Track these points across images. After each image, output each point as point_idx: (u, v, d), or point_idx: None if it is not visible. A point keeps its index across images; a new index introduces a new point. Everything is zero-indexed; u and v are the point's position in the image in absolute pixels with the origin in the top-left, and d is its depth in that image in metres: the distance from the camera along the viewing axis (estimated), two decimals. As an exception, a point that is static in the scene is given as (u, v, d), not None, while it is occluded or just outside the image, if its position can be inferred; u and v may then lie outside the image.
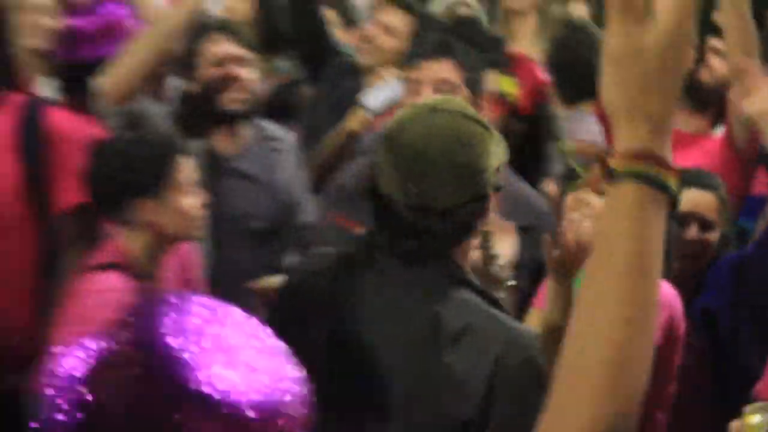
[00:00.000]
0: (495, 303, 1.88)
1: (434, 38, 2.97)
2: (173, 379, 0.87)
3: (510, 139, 2.25)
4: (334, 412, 1.50)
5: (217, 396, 0.87)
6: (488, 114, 2.63)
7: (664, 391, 2.35)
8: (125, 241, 2.34)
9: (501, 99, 2.96)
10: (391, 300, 1.83)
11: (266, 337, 0.95)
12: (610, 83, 0.89)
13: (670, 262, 2.44)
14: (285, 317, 1.89)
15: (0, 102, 2.71)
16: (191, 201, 2.37)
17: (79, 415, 0.90)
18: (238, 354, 0.91)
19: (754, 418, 1.88)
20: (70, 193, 2.69)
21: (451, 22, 3.59)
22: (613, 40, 0.88)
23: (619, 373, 0.86)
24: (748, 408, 1.86)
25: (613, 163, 0.87)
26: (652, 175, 0.86)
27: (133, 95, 2.84)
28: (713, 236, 2.65)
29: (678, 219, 2.57)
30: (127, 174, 2.34)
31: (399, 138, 1.81)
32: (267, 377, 0.91)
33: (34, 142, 2.76)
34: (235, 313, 0.94)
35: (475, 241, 1.93)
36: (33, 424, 0.93)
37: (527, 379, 1.80)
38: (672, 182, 0.87)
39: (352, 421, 1.82)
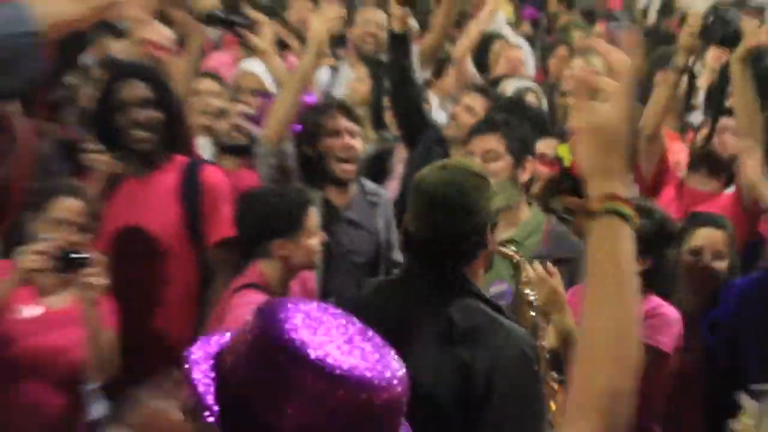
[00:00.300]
0: (498, 309, 2.34)
1: (487, 116, 3.62)
2: (287, 350, 1.08)
3: (560, 192, 2.98)
4: None
5: (336, 371, 1.07)
6: (537, 172, 3.33)
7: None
8: (263, 268, 2.97)
9: (555, 161, 3.56)
10: (419, 308, 2.32)
11: (355, 328, 1.16)
12: (583, 150, 1.22)
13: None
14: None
15: (169, 162, 3.41)
16: (315, 241, 3.03)
17: (215, 375, 1.14)
18: (329, 333, 1.12)
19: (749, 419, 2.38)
20: (219, 231, 3.33)
21: (511, 102, 4.24)
22: (581, 120, 1.22)
23: (620, 347, 1.18)
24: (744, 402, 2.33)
25: (593, 206, 1.20)
26: (621, 210, 1.19)
27: (285, 135, 3.54)
28: (723, 265, 3.22)
29: (694, 251, 3.19)
30: (271, 220, 2.96)
31: (417, 188, 2.36)
32: (365, 357, 1.11)
33: (193, 192, 3.39)
34: (333, 310, 1.17)
35: (482, 263, 2.40)
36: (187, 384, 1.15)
37: (520, 367, 2.24)
38: (633, 214, 1.22)
39: None
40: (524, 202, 3.30)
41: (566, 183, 3.65)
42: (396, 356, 1.16)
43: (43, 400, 2.95)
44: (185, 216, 3.37)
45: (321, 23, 3.68)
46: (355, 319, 1.18)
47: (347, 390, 1.09)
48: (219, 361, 1.20)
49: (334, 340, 1.13)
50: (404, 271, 2.52)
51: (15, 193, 2.63)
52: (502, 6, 6.38)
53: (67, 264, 2.80)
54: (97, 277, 2.82)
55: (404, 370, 1.14)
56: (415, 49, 4.27)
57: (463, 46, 4.94)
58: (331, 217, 3.41)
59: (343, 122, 3.54)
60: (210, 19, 4.09)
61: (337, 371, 1.09)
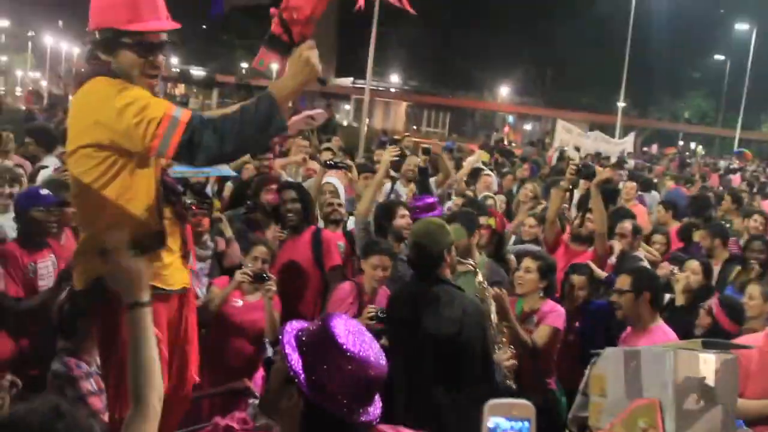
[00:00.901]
0: (461, 290, 4.12)
1: (453, 212, 6.22)
2: (335, 345, 1.96)
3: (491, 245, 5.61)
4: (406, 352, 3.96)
5: (353, 354, 1.94)
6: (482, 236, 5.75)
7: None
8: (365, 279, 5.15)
9: (488, 228, 6.11)
10: (423, 292, 4.12)
11: (367, 335, 2.04)
12: None
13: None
14: (390, 313, 4.43)
15: (306, 229, 5.80)
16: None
17: (296, 345, 2.01)
18: (354, 335, 2.00)
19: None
20: (332, 262, 5.72)
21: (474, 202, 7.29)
22: None
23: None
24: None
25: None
26: None
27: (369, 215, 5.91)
28: (583, 293, 5.62)
29: (570, 285, 5.62)
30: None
31: (412, 233, 4.38)
32: (370, 348, 1.99)
33: (317, 243, 5.73)
34: (359, 325, 2.09)
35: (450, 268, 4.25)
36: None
37: (477, 314, 4.07)
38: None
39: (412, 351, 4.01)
40: (476, 250, 5.54)
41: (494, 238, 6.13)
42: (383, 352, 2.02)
43: (244, 347, 5.07)
44: (314, 255, 5.78)
45: (387, 156, 6.30)
46: (367, 332, 2.06)
47: (357, 364, 1.96)
48: (298, 338, 2.05)
49: (357, 338, 2.00)
50: (413, 276, 4.51)
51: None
52: (483, 156, 11.87)
53: (258, 279, 5.00)
54: (271, 286, 5.01)
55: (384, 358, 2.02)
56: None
57: (462, 174, 9.38)
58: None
59: (404, 212, 5.96)
60: (327, 165, 7.04)
61: (353, 353, 1.97)
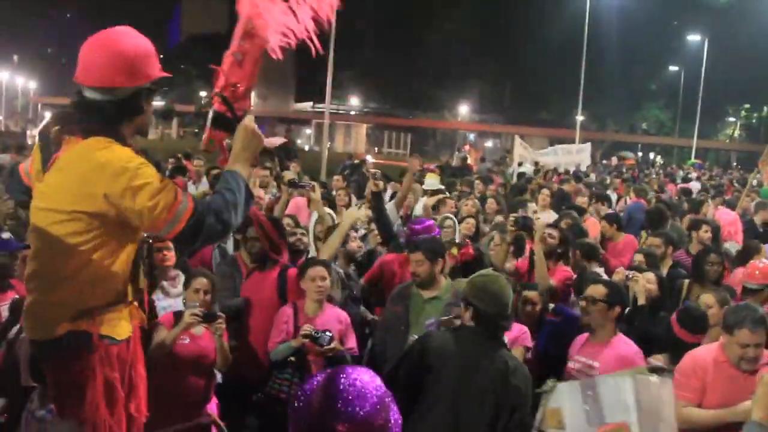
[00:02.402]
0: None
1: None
2: (332, 407, 1.74)
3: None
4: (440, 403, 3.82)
5: (355, 414, 1.72)
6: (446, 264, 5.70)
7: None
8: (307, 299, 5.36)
9: (453, 256, 6.26)
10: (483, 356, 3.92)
11: (376, 384, 1.81)
12: None
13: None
14: (418, 363, 3.99)
15: (274, 268, 5.68)
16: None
17: (298, 405, 1.80)
18: (365, 391, 1.78)
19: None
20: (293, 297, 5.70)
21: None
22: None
23: None
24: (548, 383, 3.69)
25: None
26: None
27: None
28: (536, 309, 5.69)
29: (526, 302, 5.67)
30: None
31: (471, 291, 4.13)
32: (375, 403, 1.75)
33: (283, 281, 5.61)
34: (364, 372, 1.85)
35: None
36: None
37: (523, 383, 3.82)
38: None
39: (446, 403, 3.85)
40: (442, 276, 5.55)
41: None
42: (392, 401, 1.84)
43: (197, 381, 4.92)
44: (279, 293, 5.63)
45: (350, 217, 6.37)
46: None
47: (351, 425, 1.75)
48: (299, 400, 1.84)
49: (351, 397, 1.78)
50: (472, 331, 4.11)
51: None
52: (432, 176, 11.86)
53: (208, 320, 4.83)
54: (221, 324, 4.86)
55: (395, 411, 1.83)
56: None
57: (428, 203, 9.39)
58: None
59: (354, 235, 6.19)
60: (291, 184, 7.13)
61: (352, 415, 1.75)
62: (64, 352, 2.94)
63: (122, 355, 3.09)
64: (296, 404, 1.80)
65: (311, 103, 47.26)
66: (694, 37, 49.40)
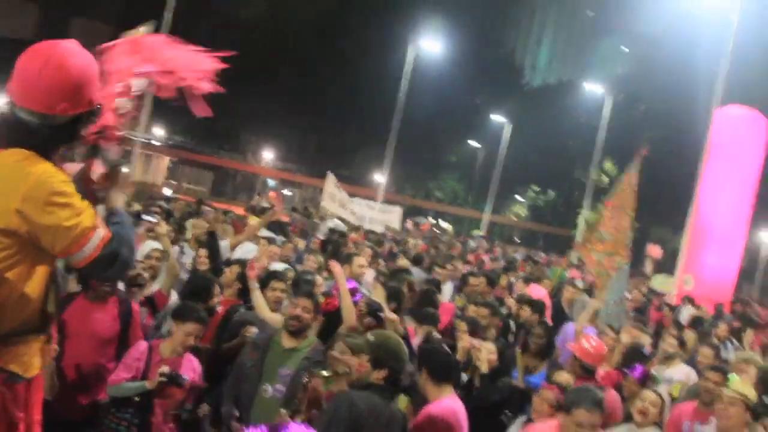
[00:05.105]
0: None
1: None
2: None
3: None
4: None
5: None
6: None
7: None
8: (173, 342, 5.51)
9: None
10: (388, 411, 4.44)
11: None
12: None
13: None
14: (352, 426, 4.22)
15: (109, 301, 5.58)
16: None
17: None
18: None
19: None
20: (136, 337, 5.71)
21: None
22: None
23: None
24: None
25: None
26: None
27: None
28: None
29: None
30: None
31: (374, 346, 4.63)
32: None
33: (127, 314, 5.61)
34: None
35: None
36: None
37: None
38: None
39: None
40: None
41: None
42: None
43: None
44: (121, 328, 5.56)
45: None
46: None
47: None
48: None
49: None
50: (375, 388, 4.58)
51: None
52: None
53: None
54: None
55: None
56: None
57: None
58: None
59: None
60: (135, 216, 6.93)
61: None
62: None
63: (25, 394, 2.83)
64: None
65: (113, 128, 45.45)
66: (496, 117, 52.27)
